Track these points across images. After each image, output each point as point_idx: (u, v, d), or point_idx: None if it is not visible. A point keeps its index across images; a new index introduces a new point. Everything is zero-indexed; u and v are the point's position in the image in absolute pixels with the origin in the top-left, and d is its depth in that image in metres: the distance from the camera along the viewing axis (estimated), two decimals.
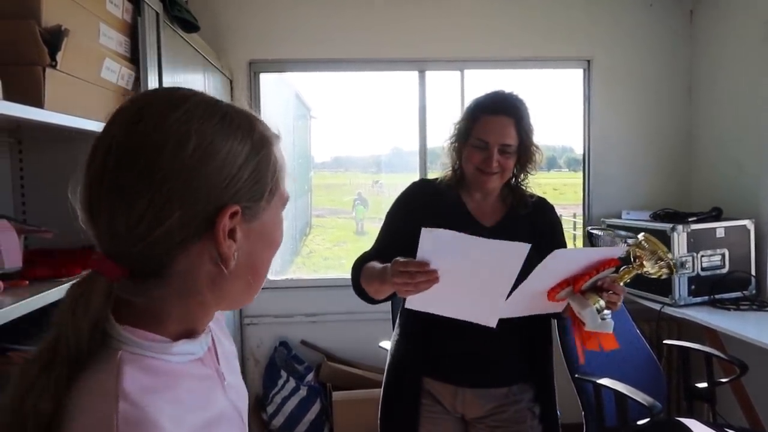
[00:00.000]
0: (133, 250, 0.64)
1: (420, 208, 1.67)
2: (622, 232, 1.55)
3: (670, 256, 1.43)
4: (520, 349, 1.64)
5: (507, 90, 1.64)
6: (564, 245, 1.73)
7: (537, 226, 1.66)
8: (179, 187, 0.63)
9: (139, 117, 0.65)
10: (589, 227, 1.45)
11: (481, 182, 1.61)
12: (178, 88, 0.70)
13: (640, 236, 1.47)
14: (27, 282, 1.37)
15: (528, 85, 3.57)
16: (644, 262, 1.43)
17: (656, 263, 1.43)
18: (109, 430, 0.56)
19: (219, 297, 0.70)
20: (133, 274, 0.65)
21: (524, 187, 1.70)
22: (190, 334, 0.70)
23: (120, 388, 0.58)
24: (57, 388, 0.60)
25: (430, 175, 3.49)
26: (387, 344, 2.55)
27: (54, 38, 1.34)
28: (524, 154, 1.60)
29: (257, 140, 0.70)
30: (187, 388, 0.66)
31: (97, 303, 0.63)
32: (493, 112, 1.58)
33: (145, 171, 0.62)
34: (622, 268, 1.43)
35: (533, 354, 1.66)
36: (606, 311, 1.36)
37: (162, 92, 0.71)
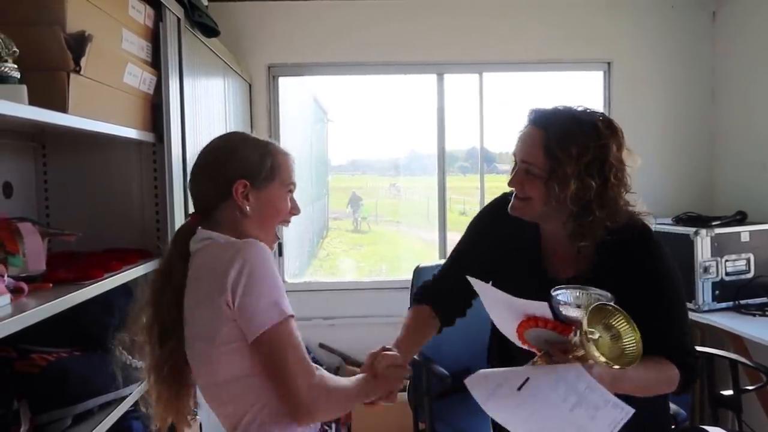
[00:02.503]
0: (200, 203, 1.29)
1: (495, 235, 1.48)
2: (594, 292, 1.15)
3: (632, 339, 1.10)
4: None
5: (578, 106, 1.33)
6: (665, 310, 1.32)
7: (621, 285, 1.27)
8: (215, 175, 1.26)
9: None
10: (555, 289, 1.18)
11: (509, 207, 1.37)
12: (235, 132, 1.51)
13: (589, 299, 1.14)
14: (50, 285, 1.39)
15: (547, 88, 3.54)
16: (583, 338, 1.10)
17: (601, 345, 1.09)
18: (242, 244, 1.17)
19: (245, 233, 1.24)
20: (202, 219, 1.28)
21: (583, 234, 1.31)
22: None
23: (231, 239, 1.24)
24: (169, 276, 1.26)
25: (447, 181, 3.47)
26: None
27: (78, 44, 1.36)
28: (555, 182, 1.25)
29: (262, 150, 1.29)
30: None
31: (182, 235, 1.29)
32: (528, 120, 1.35)
33: (199, 164, 1.30)
34: (571, 339, 1.14)
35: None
36: None
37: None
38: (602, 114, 1.33)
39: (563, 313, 1.16)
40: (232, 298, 1.13)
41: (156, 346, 1.24)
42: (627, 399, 1.36)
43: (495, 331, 1.43)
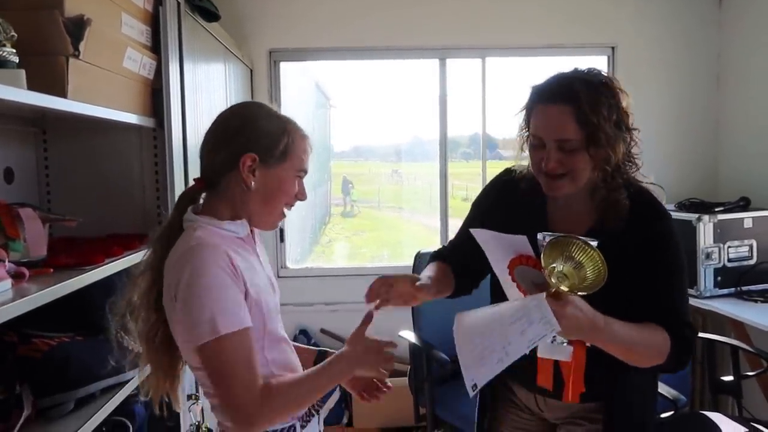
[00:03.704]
0: (206, 170, 1.24)
1: (501, 208, 1.49)
2: (580, 238, 1.16)
3: (593, 266, 1.11)
4: (590, 368, 1.26)
5: (571, 70, 1.33)
6: (663, 275, 1.33)
7: (629, 245, 1.31)
8: (225, 143, 1.21)
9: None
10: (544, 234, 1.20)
11: (547, 187, 1.34)
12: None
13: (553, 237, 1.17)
14: (51, 270, 1.39)
15: (551, 72, 3.51)
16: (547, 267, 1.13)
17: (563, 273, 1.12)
18: (190, 248, 1.13)
19: (246, 208, 1.23)
20: (206, 185, 1.24)
21: (619, 189, 1.32)
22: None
23: (195, 233, 1.16)
24: (167, 242, 1.20)
25: (450, 167, 3.47)
26: (406, 333, 2.56)
27: (77, 28, 1.35)
28: (600, 146, 1.26)
29: (280, 128, 1.24)
30: (233, 244, 1.19)
31: (183, 202, 1.25)
32: (545, 100, 1.31)
33: (213, 129, 1.25)
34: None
35: (601, 375, 1.31)
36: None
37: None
38: (597, 69, 1.34)
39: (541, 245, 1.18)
40: (176, 306, 1.13)
41: (152, 310, 1.21)
42: (622, 385, 1.39)
43: (494, 294, 1.45)
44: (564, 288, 1.13)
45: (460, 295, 1.52)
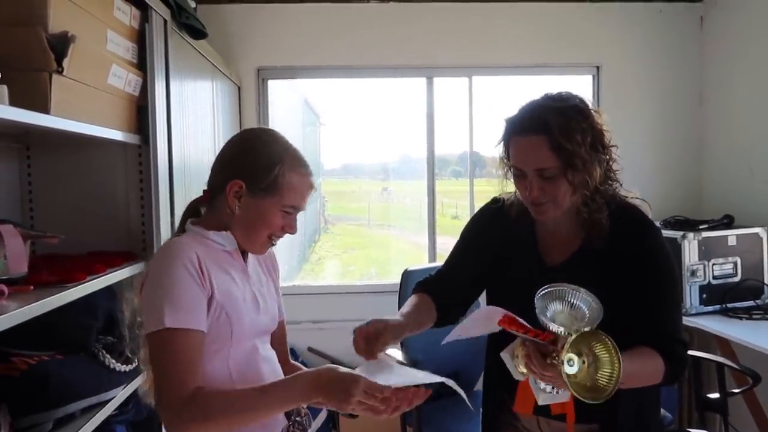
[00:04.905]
0: (210, 185, 1.29)
1: (490, 236, 1.52)
2: (579, 301, 1.15)
3: (608, 372, 1.08)
4: None
5: (541, 96, 1.36)
6: (654, 291, 1.33)
7: (613, 264, 1.34)
8: (224, 165, 1.28)
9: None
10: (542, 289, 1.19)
11: (535, 213, 1.37)
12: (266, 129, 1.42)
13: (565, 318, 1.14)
14: (32, 287, 1.37)
15: (536, 91, 3.55)
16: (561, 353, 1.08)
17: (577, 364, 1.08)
18: (165, 245, 1.23)
19: (232, 231, 1.25)
20: (209, 198, 1.29)
21: (600, 210, 1.34)
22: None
23: (180, 237, 1.24)
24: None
25: (439, 185, 3.48)
26: (393, 351, 2.54)
27: (60, 44, 1.35)
28: (577, 171, 1.28)
29: (273, 161, 1.24)
30: (217, 255, 1.24)
31: (187, 212, 1.32)
32: (519, 132, 1.33)
33: (221, 150, 1.32)
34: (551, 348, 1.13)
35: None
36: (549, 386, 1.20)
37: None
38: (568, 93, 1.36)
39: (544, 323, 1.15)
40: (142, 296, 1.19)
41: None
42: (616, 398, 1.37)
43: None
44: (565, 379, 1.08)
45: (446, 324, 1.51)
